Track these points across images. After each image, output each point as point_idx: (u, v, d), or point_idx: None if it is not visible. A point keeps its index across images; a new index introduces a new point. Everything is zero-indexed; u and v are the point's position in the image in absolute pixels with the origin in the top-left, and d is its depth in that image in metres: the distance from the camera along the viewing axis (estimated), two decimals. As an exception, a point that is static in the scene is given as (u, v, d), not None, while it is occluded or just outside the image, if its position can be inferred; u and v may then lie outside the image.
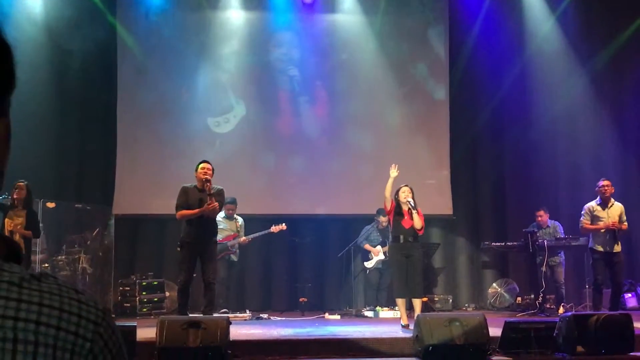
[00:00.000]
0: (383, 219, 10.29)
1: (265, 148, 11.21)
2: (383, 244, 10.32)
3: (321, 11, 11.39)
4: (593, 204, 8.86)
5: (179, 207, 7.70)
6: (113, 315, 9.54)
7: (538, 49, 11.50)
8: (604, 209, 8.77)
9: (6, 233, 7.90)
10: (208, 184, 7.54)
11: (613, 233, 8.65)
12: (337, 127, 11.38)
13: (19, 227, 8.03)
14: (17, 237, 7.92)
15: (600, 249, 8.72)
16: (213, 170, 7.71)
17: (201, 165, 7.71)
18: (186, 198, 7.70)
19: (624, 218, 8.80)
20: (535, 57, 11.52)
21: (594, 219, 8.79)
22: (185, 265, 7.65)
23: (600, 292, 8.74)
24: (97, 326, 0.89)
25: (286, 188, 11.07)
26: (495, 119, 11.49)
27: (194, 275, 7.77)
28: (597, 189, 8.88)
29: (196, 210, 7.57)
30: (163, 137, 10.91)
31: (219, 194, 7.73)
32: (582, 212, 8.90)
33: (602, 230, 8.69)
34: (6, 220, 8.04)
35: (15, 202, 8.10)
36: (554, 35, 11.51)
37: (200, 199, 7.60)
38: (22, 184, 8.11)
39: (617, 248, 8.66)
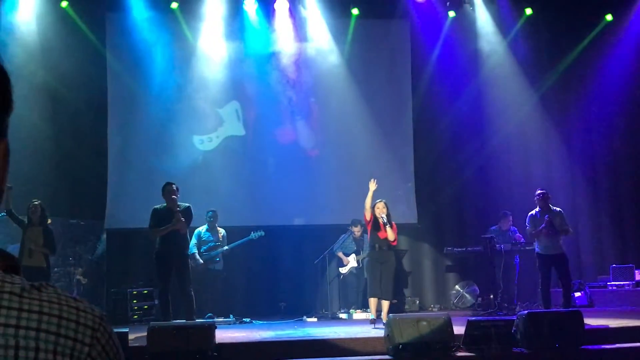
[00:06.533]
0: (356, 229, 10.31)
1: (246, 163, 11.22)
2: (357, 253, 10.33)
3: (293, 39, 11.37)
4: (534, 212, 8.84)
5: (152, 227, 7.87)
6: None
7: (492, 71, 11.65)
8: (543, 216, 8.66)
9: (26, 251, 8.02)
10: (174, 204, 7.69)
11: (554, 237, 8.56)
12: (312, 144, 11.40)
13: (38, 245, 8.05)
14: (38, 255, 8.03)
15: (544, 252, 8.67)
16: (178, 189, 7.85)
17: (167, 188, 7.82)
18: (157, 218, 7.83)
19: (565, 222, 8.71)
20: (490, 79, 11.66)
21: (537, 225, 8.69)
22: (162, 275, 7.83)
23: (548, 292, 8.67)
24: (94, 331, 0.89)
25: (265, 201, 11.01)
26: (455, 135, 11.58)
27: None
28: (535, 198, 8.86)
29: (163, 229, 7.71)
30: (151, 155, 10.82)
31: (186, 211, 7.85)
32: (527, 222, 8.89)
33: (544, 236, 8.61)
34: (26, 238, 8.05)
35: (32, 220, 8.11)
36: (505, 59, 11.68)
37: (170, 217, 7.72)
38: (36, 203, 8.19)
39: (560, 250, 8.60)
